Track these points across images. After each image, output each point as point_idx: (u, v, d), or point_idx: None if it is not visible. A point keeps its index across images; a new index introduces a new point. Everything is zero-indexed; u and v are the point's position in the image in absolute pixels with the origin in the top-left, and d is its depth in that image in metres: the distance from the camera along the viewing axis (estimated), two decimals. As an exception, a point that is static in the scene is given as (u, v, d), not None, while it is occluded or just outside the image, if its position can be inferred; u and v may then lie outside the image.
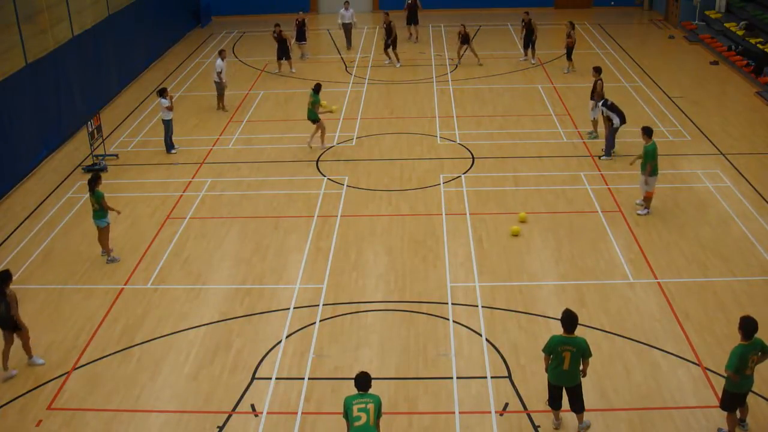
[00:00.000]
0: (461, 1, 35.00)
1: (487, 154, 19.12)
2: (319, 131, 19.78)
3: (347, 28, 29.59)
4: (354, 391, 9.22)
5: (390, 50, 27.00)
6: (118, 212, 15.12)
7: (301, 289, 13.81)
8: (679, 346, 11.95)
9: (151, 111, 23.00)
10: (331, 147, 19.97)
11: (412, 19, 30.07)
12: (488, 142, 19.90)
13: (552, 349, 9.95)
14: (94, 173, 14.60)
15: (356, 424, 8.95)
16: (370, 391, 9.25)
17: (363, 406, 9.04)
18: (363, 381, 9.22)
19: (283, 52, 26.28)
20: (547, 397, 10.45)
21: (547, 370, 10.17)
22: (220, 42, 31.13)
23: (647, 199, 15.82)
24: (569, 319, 9.94)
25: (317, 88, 19.62)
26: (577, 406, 10.19)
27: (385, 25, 26.85)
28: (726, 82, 24.56)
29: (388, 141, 20.28)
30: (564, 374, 9.99)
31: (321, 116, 19.64)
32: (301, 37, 27.78)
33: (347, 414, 9.07)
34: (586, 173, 17.94)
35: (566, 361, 9.88)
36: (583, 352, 9.90)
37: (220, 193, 17.64)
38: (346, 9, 29.40)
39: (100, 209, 14.51)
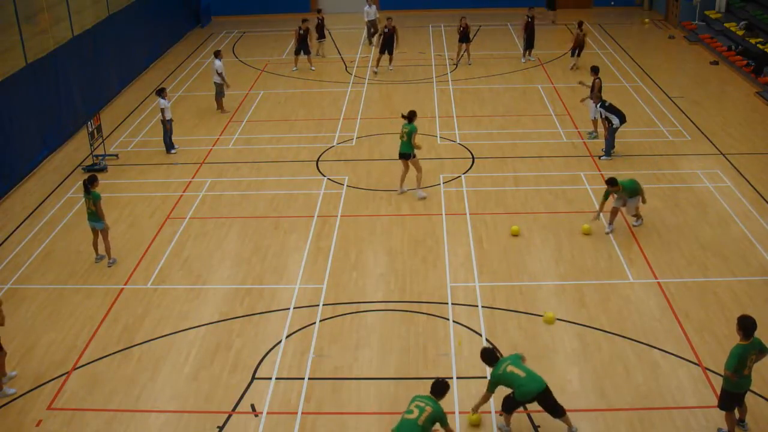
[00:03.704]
0: (461, 1, 34.96)
1: (487, 154, 19.11)
2: (416, 171, 16.57)
3: (373, 25, 29.39)
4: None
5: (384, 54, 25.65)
6: (108, 227, 14.71)
7: (301, 289, 13.81)
8: (679, 346, 11.95)
9: (151, 111, 22.99)
10: (332, 147, 19.98)
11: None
12: (488, 142, 19.89)
13: (502, 377, 9.86)
14: (91, 175, 14.51)
15: (406, 416, 9.14)
16: (441, 402, 9.41)
17: (421, 404, 9.24)
18: (438, 387, 9.45)
19: (303, 47, 26.29)
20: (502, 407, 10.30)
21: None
22: (220, 42, 31.13)
23: (637, 216, 15.55)
24: (489, 355, 10.22)
25: (412, 116, 16.40)
26: (556, 409, 9.93)
27: (387, 30, 25.34)
28: (726, 82, 24.55)
29: (388, 141, 20.23)
30: (530, 383, 9.77)
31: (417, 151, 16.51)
32: (321, 34, 28.09)
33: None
34: (586, 173, 17.93)
35: (518, 372, 9.81)
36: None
37: (220, 193, 17.63)
38: (369, 5, 29.30)
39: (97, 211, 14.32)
